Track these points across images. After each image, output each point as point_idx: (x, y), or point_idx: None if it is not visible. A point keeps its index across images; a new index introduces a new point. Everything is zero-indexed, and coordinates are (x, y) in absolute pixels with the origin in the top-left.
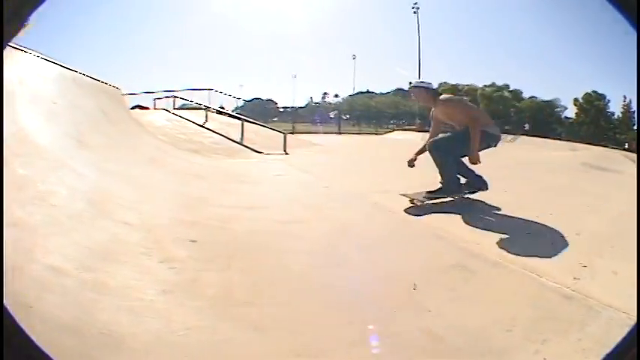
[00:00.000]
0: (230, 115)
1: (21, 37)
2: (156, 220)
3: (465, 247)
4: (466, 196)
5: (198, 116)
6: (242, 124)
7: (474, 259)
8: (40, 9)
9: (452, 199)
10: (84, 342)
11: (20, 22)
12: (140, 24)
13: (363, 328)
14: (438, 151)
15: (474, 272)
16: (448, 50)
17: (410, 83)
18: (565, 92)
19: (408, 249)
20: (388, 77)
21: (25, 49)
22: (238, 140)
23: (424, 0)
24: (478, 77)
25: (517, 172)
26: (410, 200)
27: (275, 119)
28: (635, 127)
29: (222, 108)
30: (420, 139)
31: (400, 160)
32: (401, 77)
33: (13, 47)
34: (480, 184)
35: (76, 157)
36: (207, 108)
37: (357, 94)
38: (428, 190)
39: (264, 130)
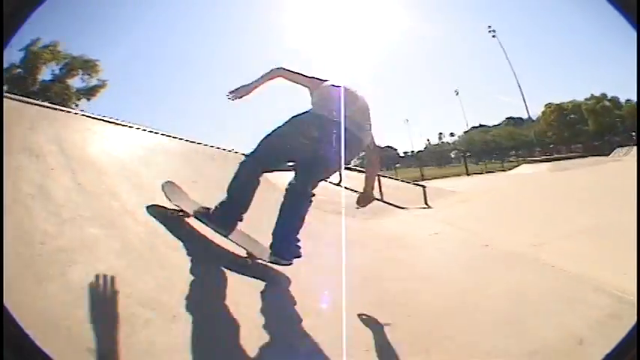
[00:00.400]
0: (359, 171)
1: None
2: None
3: None
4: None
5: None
6: (379, 180)
7: None
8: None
9: None
10: None
11: (20, 22)
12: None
13: None
14: None
15: None
16: (537, 68)
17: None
18: None
19: None
20: (494, 107)
21: (132, 125)
22: (378, 197)
23: (498, 23)
24: (574, 91)
25: None
26: None
27: (398, 165)
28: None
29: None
30: (546, 169)
31: (547, 201)
32: (506, 105)
33: (114, 123)
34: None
35: None
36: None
37: (471, 129)
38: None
39: (397, 182)
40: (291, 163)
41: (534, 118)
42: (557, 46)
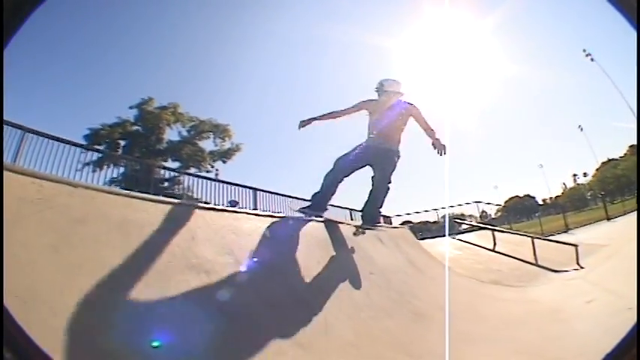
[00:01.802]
0: (510, 232)
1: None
2: None
3: None
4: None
5: (479, 238)
6: (532, 242)
7: None
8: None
9: None
10: None
11: (20, 22)
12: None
13: None
14: None
15: None
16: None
17: (381, 85)
18: None
19: None
20: (614, 136)
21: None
22: (532, 261)
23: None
24: None
25: None
26: None
27: (536, 214)
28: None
29: (485, 215)
30: None
31: None
32: (621, 131)
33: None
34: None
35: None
36: (492, 229)
37: (601, 166)
38: None
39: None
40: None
41: None
42: None
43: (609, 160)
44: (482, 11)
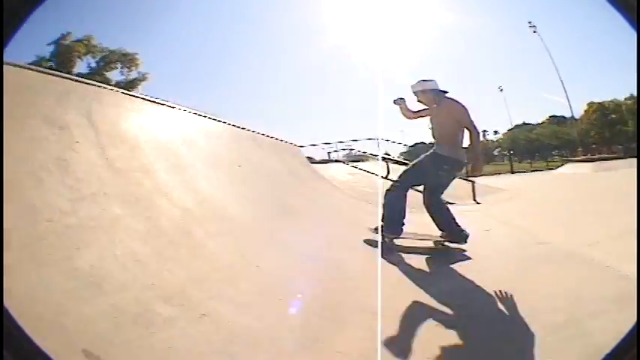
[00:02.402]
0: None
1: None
2: None
3: None
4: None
5: (374, 167)
6: None
7: None
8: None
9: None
10: None
11: (20, 21)
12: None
13: None
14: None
15: None
16: (578, 64)
17: (412, 87)
18: None
19: None
20: (537, 105)
21: (173, 105)
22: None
23: (540, 19)
24: (615, 90)
25: None
26: None
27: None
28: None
29: (388, 154)
30: (590, 170)
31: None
32: (549, 102)
33: (170, 106)
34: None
35: (284, 227)
36: (385, 159)
37: (515, 127)
38: None
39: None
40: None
41: (577, 116)
42: (601, 42)
43: (525, 124)
44: None
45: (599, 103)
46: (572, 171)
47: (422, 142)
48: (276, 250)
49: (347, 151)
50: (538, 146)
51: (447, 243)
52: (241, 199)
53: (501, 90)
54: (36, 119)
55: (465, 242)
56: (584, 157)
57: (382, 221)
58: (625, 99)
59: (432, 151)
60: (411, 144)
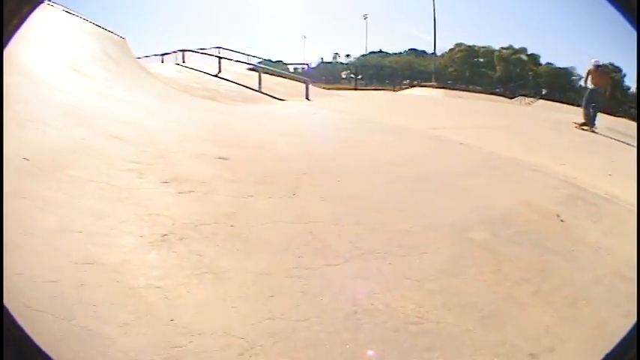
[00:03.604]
0: (248, 68)
1: None
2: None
3: None
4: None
5: (211, 68)
6: (259, 74)
7: None
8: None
9: None
10: None
11: (20, 21)
12: None
13: None
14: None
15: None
16: (463, 10)
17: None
18: (581, 62)
19: None
20: (401, 38)
21: None
22: (256, 88)
23: None
24: (494, 39)
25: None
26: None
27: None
28: None
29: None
30: (442, 94)
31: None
32: (415, 38)
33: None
34: None
35: (78, 84)
36: (219, 58)
37: (370, 54)
38: None
39: (283, 80)
40: None
41: (440, 54)
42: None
43: (381, 51)
44: None
45: (469, 45)
46: (420, 93)
47: (268, 60)
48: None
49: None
50: (390, 74)
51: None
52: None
53: (365, 18)
54: None
55: None
56: (437, 84)
57: None
58: (501, 48)
59: None
60: (258, 61)
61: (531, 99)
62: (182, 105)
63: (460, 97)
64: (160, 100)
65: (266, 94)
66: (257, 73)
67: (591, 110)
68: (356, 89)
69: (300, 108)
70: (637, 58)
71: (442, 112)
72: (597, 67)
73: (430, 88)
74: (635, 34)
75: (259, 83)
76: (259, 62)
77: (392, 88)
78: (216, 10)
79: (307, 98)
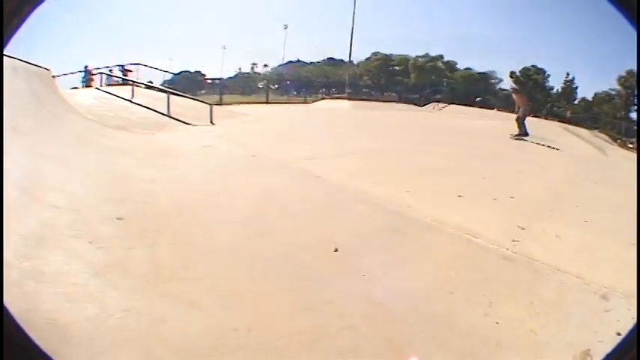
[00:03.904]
0: (158, 90)
1: None
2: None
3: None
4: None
5: (127, 92)
6: (167, 97)
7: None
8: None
9: None
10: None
11: (20, 21)
12: None
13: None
14: None
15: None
16: (380, 20)
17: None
18: (503, 66)
19: None
20: (320, 48)
21: None
22: (165, 113)
23: None
24: (412, 48)
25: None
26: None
27: (203, 92)
28: (635, 120)
29: (151, 82)
30: (351, 107)
31: (324, 129)
32: (332, 47)
33: None
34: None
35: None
36: (133, 83)
37: (287, 63)
38: None
39: (192, 102)
40: None
41: (356, 62)
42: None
43: (298, 61)
44: None
45: (385, 54)
46: (329, 106)
47: (187, 71)
48: None
49: (107, 76)
50: (306, 83)
51: None
52: None
53: (286, 27)
54: None
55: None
56: (348, 95)
57: None
58: (417, 56)
59: None
60: (177, 72)
61: (442, 105)
62: (90, 148)
63: (369, 107)
64: (70, 146)
65: (174, 119)
66: (167, 95)
67: (523, 124)
68: (267, 103)
69: (197, 139)
70: (637, 58)
71: (336, 132)
72: (514, 89)
73: (340, 100)
74: (635, 34)
75: (168, 107)
76: (178, 74)
77: (305, 99)
78: (137, 20)
79: (211, 122)
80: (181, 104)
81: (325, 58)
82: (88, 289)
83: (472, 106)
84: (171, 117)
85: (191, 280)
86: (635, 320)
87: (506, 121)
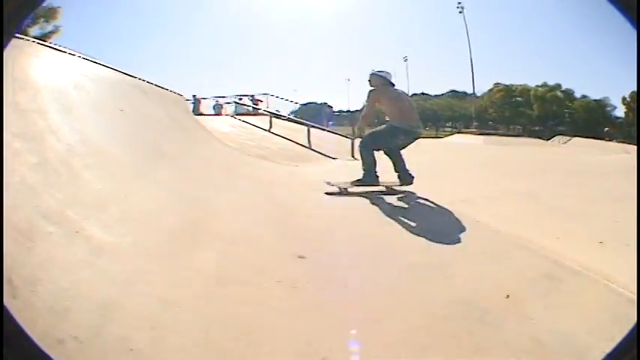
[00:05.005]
0: (293, 120)
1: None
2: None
3: None
4: (394, 187)
5: (262, 122)
6: (308, 130)
7: None
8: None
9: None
10: None
11: (20, 21)
12: (186, 28)
13: None
14: (362, 145)
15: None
16: (498, 50)
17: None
18: (611, 91)
19: None
20: (441, 79)
21: (75, 53)
22: (306, 145)
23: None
24: (529, 77)
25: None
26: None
27: (331, 123)
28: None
29: (278, 111)
30: (483, 142)
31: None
32: (454, 78)
33: (59, 50)
34: (406, 178)
35: (156, 167)
36: (271, 113)
37: (412, 96)
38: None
39: (326, 134)
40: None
41: (479, 94)
42: (522, 32)
43: (423, 94)
44: None
45: (506, 85)
46: (461, 140)
47: (313, 102)
48: (143, 184)
49: (235, 105)
50: (432, 116)
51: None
52: (121, 140)
53: (405, 60)
54: None
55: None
56: (476, 129)
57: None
58: (537, 86)
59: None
60: (303, 103)
61: (567, 138)
62: (243, 177)
63: (499, 142)
64: (222, 174)
65: (315, 151)
66: (304, 127)
67: None
68: None
69: (344, 174)
70: (637, 58)
71: (479, 171)
72: None
73: (472, 135)
74: (635, 34)
75: (308, 140)
76: (305, 105)
77: (436, 133)
78: (264, 54)
79: (353, 156)
80: (317, 136)
81: (449, 90)
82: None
83: (595, 137)
84: (312, 149)
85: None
86: (635, 320)
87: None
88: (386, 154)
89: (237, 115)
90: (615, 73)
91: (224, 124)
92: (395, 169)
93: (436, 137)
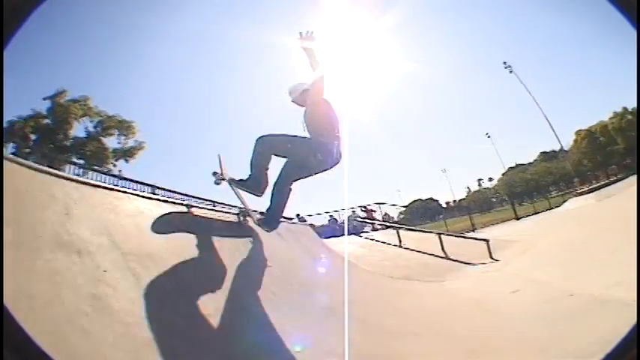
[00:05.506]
0: (414, 230)
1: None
2: None
3: None
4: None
5: (385, 236)
6: (440, 238)
7: None
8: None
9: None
10: None
11: (20, 21)
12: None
13: None
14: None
15: None
16: (555, 93)
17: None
18: None
19: None
20: (526, 144)
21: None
22: (444, 255)
23: (515, 58)
24: (597, 112)
25: None
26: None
27: (440, 216)
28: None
29: (391, 217)
30: (595, 200)
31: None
32: (537, 138)
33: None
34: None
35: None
36: (398, 227)
37: (508, 170)
38: None
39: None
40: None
41: (566, 148)
42: (570, 67)
43: (518, 165)
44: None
45: (586, 130)
46: (575, 205)
47: (419, 199)
48: None
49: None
50: (534, 185)
51: None
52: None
53: (489, 136)
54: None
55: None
56: (584, 188)
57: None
58: (609, 118)
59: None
60: (407, 203)
61: None
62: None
63: (607, 195)
64: (397, 306)
65: (450, 259)
66: (426, 234)
67: None
68: (517, 218)
69: (496, 284)
70: (637, 58)
71: (615, 248)
72: None
73: (581, 197)
74: (635, 34)
75: (442, 248)
76: (410, 204)
77: (548, 202)
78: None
79: (491, 257)
80: (447, 241)
81: (538, 153)
82: None
83: None
84: (449, 258)
85: None
86: (635, 320)
87: None
88: None
89: (354, 230)
90: None
91: (350, 245)
92: None
93: (550, 209)
